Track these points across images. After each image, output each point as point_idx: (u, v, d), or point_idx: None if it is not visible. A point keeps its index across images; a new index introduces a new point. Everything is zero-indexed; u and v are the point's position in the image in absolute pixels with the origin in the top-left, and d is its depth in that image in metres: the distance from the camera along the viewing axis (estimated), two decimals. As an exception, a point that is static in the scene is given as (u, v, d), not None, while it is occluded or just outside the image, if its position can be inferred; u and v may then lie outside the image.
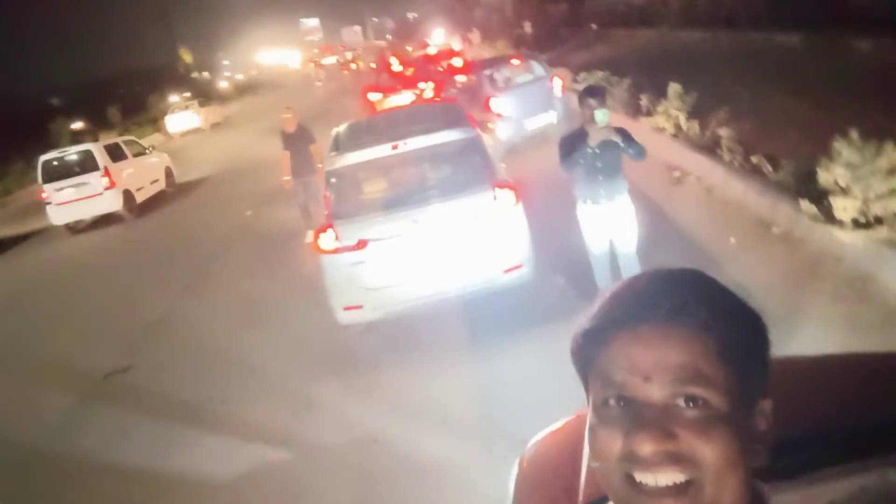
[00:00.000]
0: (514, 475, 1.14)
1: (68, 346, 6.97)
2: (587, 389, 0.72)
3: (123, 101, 32.98)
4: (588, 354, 0.71)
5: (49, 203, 12.45)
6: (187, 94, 28.68)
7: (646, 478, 0.63)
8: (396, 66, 21.84)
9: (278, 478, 3.99)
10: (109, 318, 7.52)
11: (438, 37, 42.17)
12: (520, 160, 8.93)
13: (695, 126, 7.85)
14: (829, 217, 4.87)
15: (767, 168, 6.19)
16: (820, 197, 5.04)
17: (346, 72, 44.51)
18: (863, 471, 0.81)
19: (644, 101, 9.33)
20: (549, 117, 10.53)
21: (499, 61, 12.43)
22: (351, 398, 4.61)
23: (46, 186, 12.45)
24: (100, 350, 6.59)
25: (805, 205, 5.16)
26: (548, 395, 2.92)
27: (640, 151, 4.16)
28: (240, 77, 52.78)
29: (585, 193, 4.39)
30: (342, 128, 5.74)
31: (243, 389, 5.08)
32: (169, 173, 14.86)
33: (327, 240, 4.86)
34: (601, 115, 3.94)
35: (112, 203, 12.58)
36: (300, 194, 8.40)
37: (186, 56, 41.32)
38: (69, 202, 12.44)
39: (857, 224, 4.65)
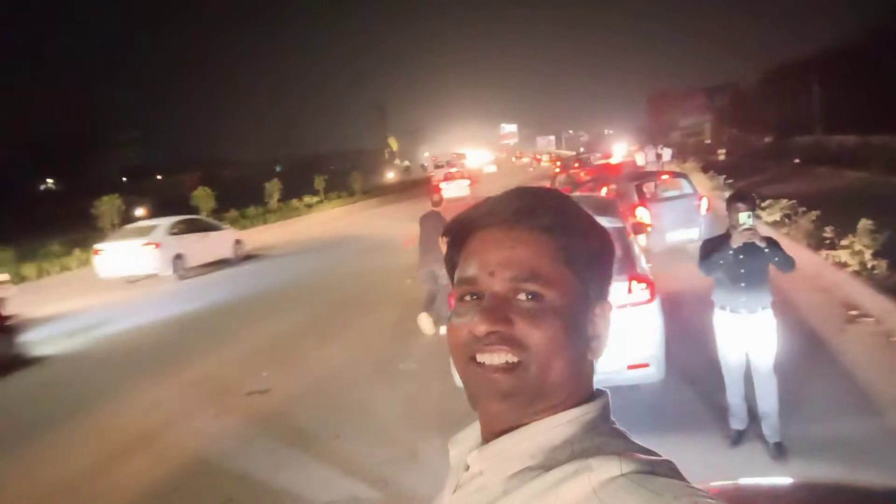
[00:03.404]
0: None
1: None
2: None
3: (331, 174, 36.89)
4: (453, 259, 0.81)
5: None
6: None
7: (484, 357, 0.73)
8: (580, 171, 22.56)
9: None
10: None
11: (624, 150, 42.48)
12: (657, 267, 8.66)
13: (882, 265, 7.16)
14: None
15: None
16: None
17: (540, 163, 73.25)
18: None
19: (829, 233, 8.68)
20: (692, 233, 10.66)
21: (651, 175, 13.27)
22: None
23: None
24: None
25: None
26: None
27: (788, 262, 3.93)
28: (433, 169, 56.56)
29: (724, 300, 4.18)
30: None
31: (357, 430, 5.33)
32: None
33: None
34: (745, 217, 3.81)
35: None
36: (427, 282, 7.87)
37: (393, 144, 45.53)
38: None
39: None
